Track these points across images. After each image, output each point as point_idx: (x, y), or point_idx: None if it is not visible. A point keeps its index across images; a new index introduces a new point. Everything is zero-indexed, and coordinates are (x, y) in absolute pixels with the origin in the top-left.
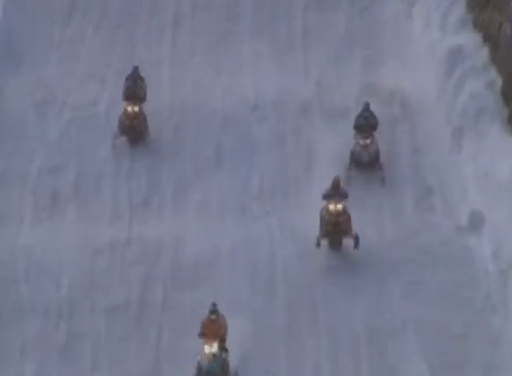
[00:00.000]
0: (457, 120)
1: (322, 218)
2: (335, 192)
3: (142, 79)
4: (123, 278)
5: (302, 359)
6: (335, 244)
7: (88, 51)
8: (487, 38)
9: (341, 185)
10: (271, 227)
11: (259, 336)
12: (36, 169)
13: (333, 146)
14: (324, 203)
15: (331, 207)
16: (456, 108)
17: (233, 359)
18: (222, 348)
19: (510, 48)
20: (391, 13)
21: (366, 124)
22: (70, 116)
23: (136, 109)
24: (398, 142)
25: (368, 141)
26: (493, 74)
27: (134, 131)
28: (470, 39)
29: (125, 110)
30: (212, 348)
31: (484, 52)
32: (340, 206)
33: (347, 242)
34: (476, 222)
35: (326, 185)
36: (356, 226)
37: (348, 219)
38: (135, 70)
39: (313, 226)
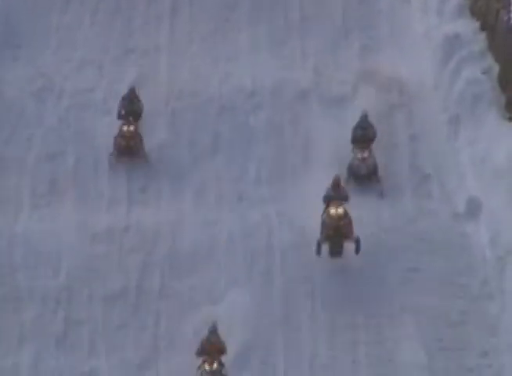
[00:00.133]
0: (454, 106)
1: (322, 222)
2: (335, 192)
3: (138, 99)
4: (121, 265)
5: (300, 349)
6: (336, 248)
7: (86, 37)
8: (484, 25)
9: (341, 184)
10: (268, 215)
11: (256, 325)
12: (34, 156)
13: (331, 133)
14: (322, 200)
15: (332, 210)
16: (453, 95)
17: (230, 352)
18: (219, 362)
19: (507, 35)
20: (387, 0)
21: (364, 135)
22: (68, 102)
23: (132, 128)
24: (395, 129)
25: (366, 154)
26: (490, 61)
27: (130, 151)
28: (467, 26)
29: (121, 130)
30: (212, 367)
31: (482, 39)
32: (341, 209)
33: (348, 245)
34: (473, 208)
35: (323, 173)
36: (354, 213)
37: (349, 223)
38: (132, 90)
39: (311, 216)
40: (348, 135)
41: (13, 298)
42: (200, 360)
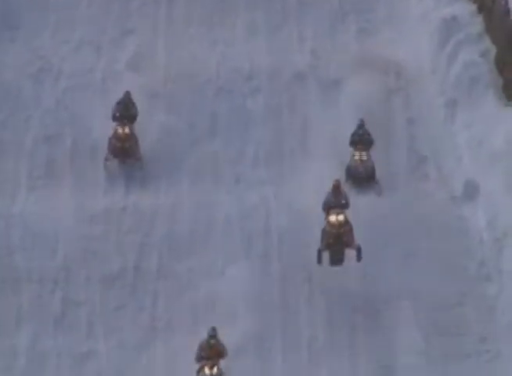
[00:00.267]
0: (451, 89)
1: (323, 230)
2: (335, 197)
3: (133, 104)
4: (118, 246)
5: (298, 333)
6: (337, 256)
7: (84, 18)
8: (481, 8)
9: (342, 188)
10: (266, 197)
11: (254, 307)
12: (31, 137)
13: (328, 115)
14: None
15: (332, 218)
16: (450, 77)
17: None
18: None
19: (504, 18)
20: None
21: (361, 140)
22: (66, 84)
23: (127, 130)
24: (392, 112)
25: (364, 156)
26: (487, 43)
27: (126, 153)
28: (464, 9)
29: (116, 132)
30: (213, 371)
31: (479, 22)
32: (341, 217)
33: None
34: (470, 191)
35: (321, 155)
36: (351, 197)
37: (350, 230)
38: (127, 95)
39: (308, 197)
40: (345, 117)
41: (11, 279)
42: (200, 362)
